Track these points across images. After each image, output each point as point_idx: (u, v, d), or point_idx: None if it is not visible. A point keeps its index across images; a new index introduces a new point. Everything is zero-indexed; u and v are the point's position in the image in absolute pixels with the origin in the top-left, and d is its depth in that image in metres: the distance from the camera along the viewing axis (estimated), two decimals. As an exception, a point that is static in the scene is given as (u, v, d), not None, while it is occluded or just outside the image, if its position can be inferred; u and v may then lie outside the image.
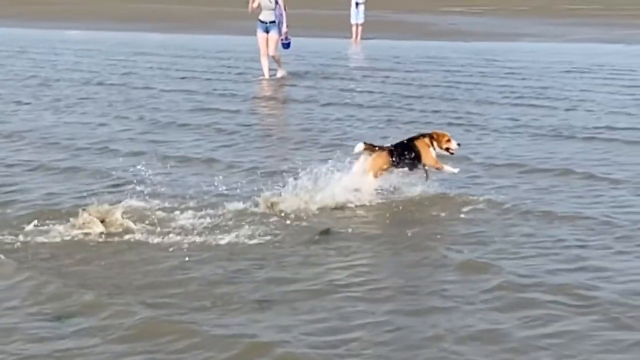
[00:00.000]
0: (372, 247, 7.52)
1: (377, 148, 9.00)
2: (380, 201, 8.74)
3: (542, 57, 25.93)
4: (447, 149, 9.12)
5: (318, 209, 8.49)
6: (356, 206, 8.58)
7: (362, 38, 33.14)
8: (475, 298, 6.30)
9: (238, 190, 9.08)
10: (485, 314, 6.03)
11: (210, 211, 8.33)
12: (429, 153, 9.04)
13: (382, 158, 8.92)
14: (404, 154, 8.96)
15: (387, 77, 20.62)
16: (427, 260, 7.15)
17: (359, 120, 14.12)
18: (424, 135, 9.16)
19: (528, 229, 7.98)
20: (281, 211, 8.40)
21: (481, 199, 8.89)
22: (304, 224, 8.07)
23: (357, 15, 33.62)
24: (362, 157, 8.95)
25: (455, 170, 9.15)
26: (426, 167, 9.10)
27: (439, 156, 9.12)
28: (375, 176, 8.91)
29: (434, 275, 6.83)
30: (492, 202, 8.80)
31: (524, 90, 17.85)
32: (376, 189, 8.85)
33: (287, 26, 20.11)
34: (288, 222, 8.10)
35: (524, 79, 20.09)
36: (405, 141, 9.13)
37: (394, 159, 8.93)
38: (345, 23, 34.39)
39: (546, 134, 12.56)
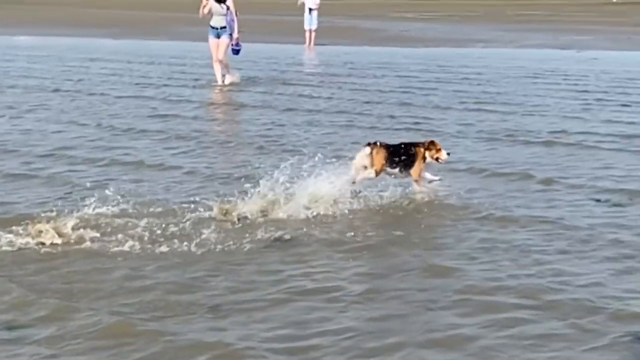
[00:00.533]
0: (332, 254, 7.45)
1: (377, 145, 9.11)
2: (339, 208, 8.68)
3: (495, 62, 26.16)
4: (437, 159, 9.25)
5: (276, 215, 8.42)
6: (315, 213, 8.50)
7: (315, 44, 33.17)
8: (436, 303, 6.29)
9: (195, 197, 9.00)
10: (447, 318, 6.02)
11: (167, 218, 8.23)
12: (421, 163, 9.17)
13: (382, 155, 9.03)
14: (402, 156, 9.08)
15: (342, 82, 20.65)
16: (388, 266, 7.12)
17: (315, 126, 14.09)
18: (420, 144, 9.26)
19: (488, 233, 8.00)
20: (238, 218, 8.32)
21: (442, 203, 8.92)
22: (261, 230, 7.99)
23: (310, 21, 33.65)
24: (361, 154, 9.05)
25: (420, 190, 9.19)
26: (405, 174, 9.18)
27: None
28: (378, 173, 9.04)
29: (395, 280, 6.80)
30: (452, 206, 8.84)
31: (479, 96, 17.99)
32: (337, 196, 8.80)
33: (238, 32, 20.03)
34: (244, 229, 8.01)
35: (478, 84, 20.24)
36: (404, 145, 9.24)
37: (393, 159, 9.05)
38: (298, 29, 34.40)
39: (502, 139, 12.64)
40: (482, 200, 9.09)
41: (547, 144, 12.37)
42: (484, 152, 10.07)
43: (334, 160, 9.13)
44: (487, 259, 7.27)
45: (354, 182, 9.06)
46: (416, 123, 14.37)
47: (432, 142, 9.32)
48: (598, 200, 9.12)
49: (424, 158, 9.18)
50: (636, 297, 6.39)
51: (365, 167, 9.07)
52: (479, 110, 15.92)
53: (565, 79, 21.48)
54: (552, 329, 5.84)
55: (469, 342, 5.66)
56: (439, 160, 9.26)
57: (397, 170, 9.14)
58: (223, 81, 19.85)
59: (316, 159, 8.96)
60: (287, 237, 7.82)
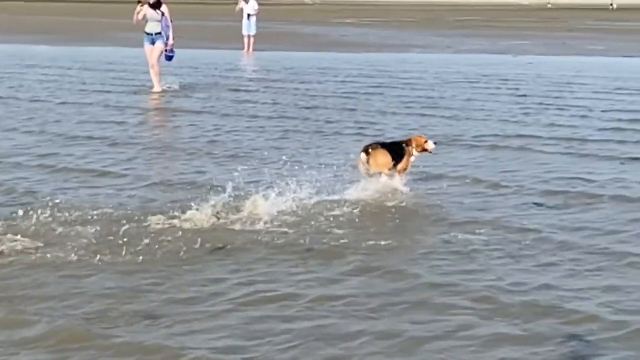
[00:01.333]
0: (276, 261, 7.36)
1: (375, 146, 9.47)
2: (282, 213, 8.63)
3: (434, 68, 26.38)
4: (425, 150, 9.68)
5: (223, 223, 8.34)
6: (263, 220, 8.43)
7: (254, 50, 33.10)
8: (386, 308, 6.28)
9: (139, 205, 8.89)
10: (397, 323, 6.01)
11: (110, 227, 8.11)
12: (410, 160, 9.57)
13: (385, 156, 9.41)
14: (398, 154, 9.50)
15: (283, 88, 20.63)
16: (337, 271, 7.10)
17: (256, 132, 14.04)
18: (408, 142, 9.66)
19: (437, 237, 8.04)
20: (183, 226, 8.23)
21: (391, 208, 8.96)
22: (207, 238, 7.89)
23: (249, 27, 33.57)
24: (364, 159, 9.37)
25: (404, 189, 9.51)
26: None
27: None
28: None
29: (344, 286, 6.78)
30: (402, 211, 8.87)
31: (421, 101, 18.12)
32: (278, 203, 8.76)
33: (173, 38, 19.87)
34: (190, 236, 7.90)
35: (419, 89, 20.39)
36: (396, 143, 9.66)
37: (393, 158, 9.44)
38: (237, 34, 34.30)
39: (444, 143, 12.71)
40: (431, 205, 9.15)
41: (491, 148, 12.49)
42: (429, 157, 10.13)
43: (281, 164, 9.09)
44: (436, 263, 7.30)
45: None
46: (360, 128, 14.40)
47: (415, 138, 9.72)
48: (539, 205, 9.21)
49: (411, 155, 9.58)
50: (581, 298, 6.47)
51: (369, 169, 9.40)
52: (422, 115, 16.03)
53: (504, 84, 21.75)
54: (501, 331, 5.87)
55: (418, 345, 5.66)
56: (428, 151, 9.69)
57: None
58: (162, 87, 19.70)
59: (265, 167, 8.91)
60: (234, 244, 7.73)
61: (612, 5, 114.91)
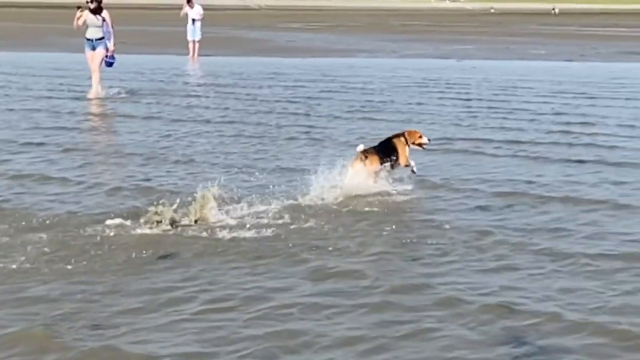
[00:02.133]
0: (227, 267, 7.26)
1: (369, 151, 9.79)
2: (234, 219, 8.56)
3: (380, 72, 26.49)
4: (420, 144, 10.12)
5: (170, 229, 8.22)
6: (209, 224, 8.35)
7: (199, 55, 32.93)
8: (334, 308, 6.28)
9: (85, 211, 8.78)
10: (346, 323, 6.01)
11: (56, 233, 7.98)
12: (405, 152, 9.96)
13: (375, 160, 9.72)
14: (388, 153, 9.83)
15: (231, 93, 20.55)
16: (290, 274, 7.07)
17: (205, 137, 13.94)
18: (398, 135, 10.06)
19: (392, 239, 8.07)
20: (131, 232, 8.12)
21: (339, 210, 8.98)
22: (157, 245, 7.79)
23: (193, 32, 33.38)
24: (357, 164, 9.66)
25: (416, 169, 10.07)
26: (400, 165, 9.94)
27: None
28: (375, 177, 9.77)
29: (299, 289, 6.74)
30: (352, 212, 8.90)
31: (368, 105, 18.17)
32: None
33: (114, 44, 19.66)
34: (140, 243, 7.80)
35: (366, 93, 20.45)
36: (384, 141, 9.99)
37: (383, 159, 9.78)
38: (182, 39, 34.10)
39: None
40: (383, 208, 9.16)
41: (442, 151, 12.55)
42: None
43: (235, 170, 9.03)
44: (390, 267, 7.31)
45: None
46: (307, 132, 14.39)
47: (408, 131, 10.25)
48: (478, 209, 9.28)
49: (406, 145, 10.02)
50: (535, 298, 6.51)
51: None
52: (370, 119, 16.07)
53: (450, 88, 21.92)
54: (458, 333, 5.89)
55: (364, 342, 5.68)
56: (422, 145, 10.18)
57: (388, 164, 9.87)
58: (105, 93, 19.49)
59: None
60: (185, 251, 7.64)
61: (554, 9, 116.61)
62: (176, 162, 11.77)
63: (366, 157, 9.70)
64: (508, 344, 5.71)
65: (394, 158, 9.91)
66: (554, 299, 6.53)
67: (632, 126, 15.35)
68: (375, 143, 10.09)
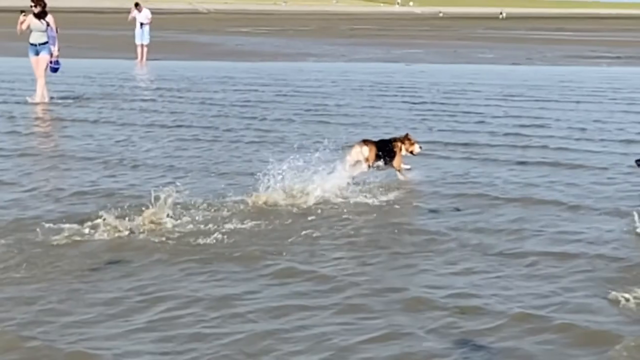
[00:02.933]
0: (173, 271, 7.15)
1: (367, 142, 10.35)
2: (184, 222, 8.44)
3: (330, 76, 26.53)
4: (412, 152, 10.67)
5: (119, 234, 8.03)
6: (159, 229, 8.20)
7: (148, 59, 32.70)
8: (297, 309, 6.25)
9: (31, 216, 8.62)
10: (308, 323, 5.98)
11: (1, 239, 7.80)
12: (400, 155, 10.52)
13: (373, 151, 10.25)
14: (385, 152, 10.34)
15: (181, 97, 20.40)
16: (245, 276, 7.01)
17: (154, 141, 13.79)
18: (398, 139, 10.60)
19: (345, 240, 8.09)
20: (78, 238, 7.94)
21: (293, 211, 8.99)
22: (103, 251, 7.63)
23: (142, 36, 33.15)
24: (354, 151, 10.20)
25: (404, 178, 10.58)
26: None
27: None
28: (370, 166, 10.33)
29: (254, 290, 6.69)
30: (304, 214, 8.89)
31: (319, 108, 18.15)
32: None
33: (58, 49, 19.38)
34: (86, 249, 7.64)
35: (317, 97, 20.44)
36: (385, 140, 10.52)
37: (379, 153, 10.30)
38: (130, 43, 33.83)
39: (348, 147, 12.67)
40: (336, 209, 9.15)
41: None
42: (323, 162, 10.18)
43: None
44: (342, 267, 7.32)
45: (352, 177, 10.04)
46: (259, 136, 14.33)
47: (408, 138, 10.71)
48: (434, 211, 9.30)
49: (400, 150, 10.54)
50: (485, 296, 6.54)
51: (359, 162, 10.19)
52: (323, 122, 16.05)
53: (401, 92, 22.01)
54: (407, 330, 5.91)
55: (323, 345, 5.65)
56: (413, 152, 10.67)
57: (381, 163, 10.36)
58: (50, 97, 19.20)
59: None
60: (134, 256, 7.51)
61: (501, 14, 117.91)
62: (128, 166, 11.63)
63: (366, 144, 10.22)
64: (465, 344, 5.72)
65: (388, 159, 10.38)
66: (511, 299, 6.55)
67: (582, 129, 15.51)
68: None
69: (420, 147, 10.77)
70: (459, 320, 6.10)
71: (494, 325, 6.02)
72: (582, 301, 6.52)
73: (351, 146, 10.57)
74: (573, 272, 7.21)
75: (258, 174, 9.73)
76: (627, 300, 6.43)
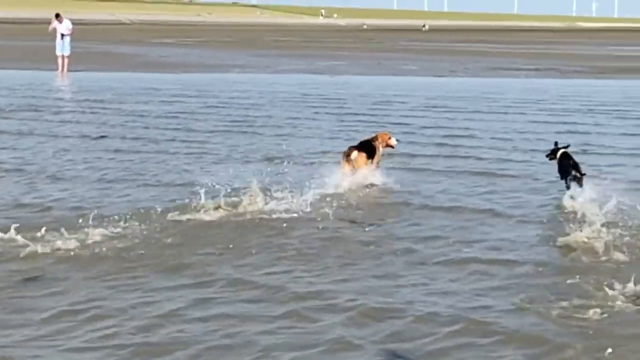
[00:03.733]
0: (92, 284, 7.01)
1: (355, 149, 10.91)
2: (107, 234, 8.27)
3: (256, 87, 26.47)
4: (389, 145, 11.34)
5: (38, 249, 7.79)
6: (80, 241, 8.00)
7: (68, 70, 32.21)
8: (219, 316, 6.21)
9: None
10: (234, 326, 5.95)
11: None
12: (379, 152, 11.15)
13: (363, 155, 10.86)
14: (370, 153, 10.95)
15: (104, 108, 20.11)
16: (174, 284, 6.94)
17: (78, 152, 13.55)
18: (375, 138, 11.22)
19: (274, 247, 8.13)
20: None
21: (227, 219, 8.99)
22: (21, 266, 7.41)
23: (62, 47, 32.64)
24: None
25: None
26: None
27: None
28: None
29: (177, 297, 6.60)
30: (236, 223, 8.86)
31: (247, 119, 18.07)
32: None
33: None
34: (2, 265, 7.42)
35: (244, 108, 20.36)
36: (365, 141, 11.13)
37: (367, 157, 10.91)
38: (50, 54, 33.28)
39: (279, 160, 12.59)
40: (265, 219, 9.12)
41: (319, 165, 12.52)
42: (261, 176, 10.14)
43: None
44: (288, 266, 7.34)
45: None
46: (187, 147, 14.18)
47: (382, 133, 11.45)
48: (367, 219, 9.34)
49: (381, 147, 11.18)
50: (406, 299, 6.57)
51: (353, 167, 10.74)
52: (250, 133, 15.97)
53: (327, 103, 22.05)
54: (333, 333, 5.94)
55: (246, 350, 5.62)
56: (390, 146, 11.38)
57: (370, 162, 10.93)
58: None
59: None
60: (54, 271, 7.31)
61: (424, 26, 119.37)
62: (50, 178, 11.38)
63: (356, 150, 10.79)
64: (391, 344, 5.79)
65: (371, 159, 10.95)
66: (435, 303, 6.64)
67: (506, 139, 15.71)
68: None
69: (397, 140, 11.62)
70: (381, 322, 6.18)
71: (426, 329, 6.09)
72: (506, 303, 6.64)
73: (346, 154, 10.92)
74: (497, 276, 7.33)
75: (184, 185, 9.61)
76: (550, 302, 6.57)
